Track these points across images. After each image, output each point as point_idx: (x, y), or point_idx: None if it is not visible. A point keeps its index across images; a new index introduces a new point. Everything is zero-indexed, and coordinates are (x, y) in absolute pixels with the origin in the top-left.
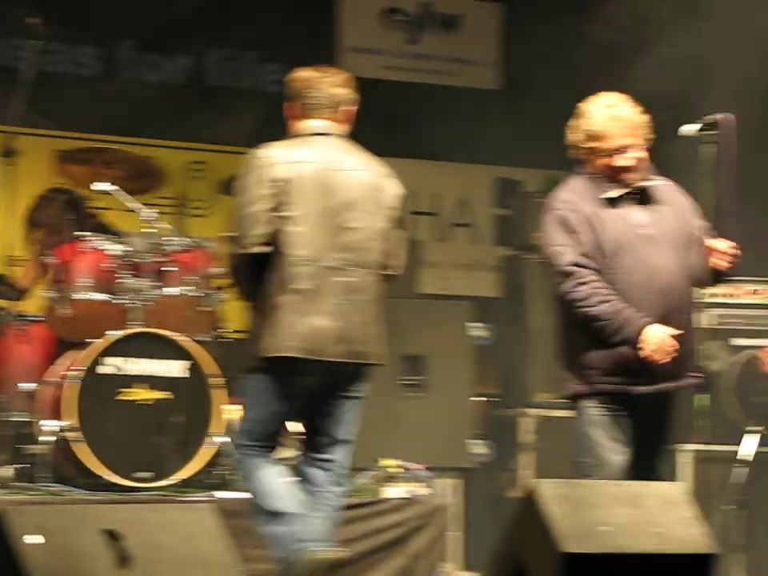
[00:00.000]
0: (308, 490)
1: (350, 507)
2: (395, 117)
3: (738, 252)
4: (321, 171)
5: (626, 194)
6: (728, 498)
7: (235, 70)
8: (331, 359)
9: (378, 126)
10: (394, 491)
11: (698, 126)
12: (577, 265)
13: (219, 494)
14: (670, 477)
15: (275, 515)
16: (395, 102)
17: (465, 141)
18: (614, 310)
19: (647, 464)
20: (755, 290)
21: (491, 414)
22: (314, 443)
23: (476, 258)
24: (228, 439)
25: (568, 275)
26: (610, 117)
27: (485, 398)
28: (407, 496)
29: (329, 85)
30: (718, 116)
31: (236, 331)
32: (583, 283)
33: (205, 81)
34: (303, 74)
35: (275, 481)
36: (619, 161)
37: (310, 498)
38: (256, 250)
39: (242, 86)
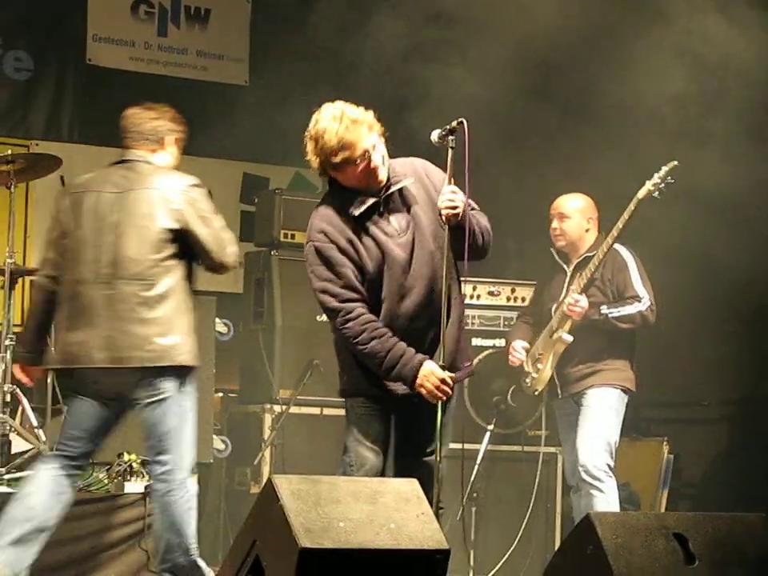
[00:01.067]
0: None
1: (88, 502)
2: None
3: (457, 195)
4: (99, 197)
5: (376, 205)
6: (463, 495)
7: None
8: (96, 366)
9: None
10: (133, 486)
11: (437, 132)
12: (341, 300)
13: None
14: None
15: None
16: (143, 95)
17: (212, 136)
18: (387, 348)
19: (418, 462)
20: (492, 291)
21: (232, 409)
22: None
23: None
24: None
25: (335, 311)
26: (344, 128)
27: (226, 394)
28: (147, 490)
29: (146, 119)
30: (455, 122)
31: None
32: (350, 319)
33: None
34: (128, 111)
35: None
36: (366, 168)
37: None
38: (43, 272)
39: None
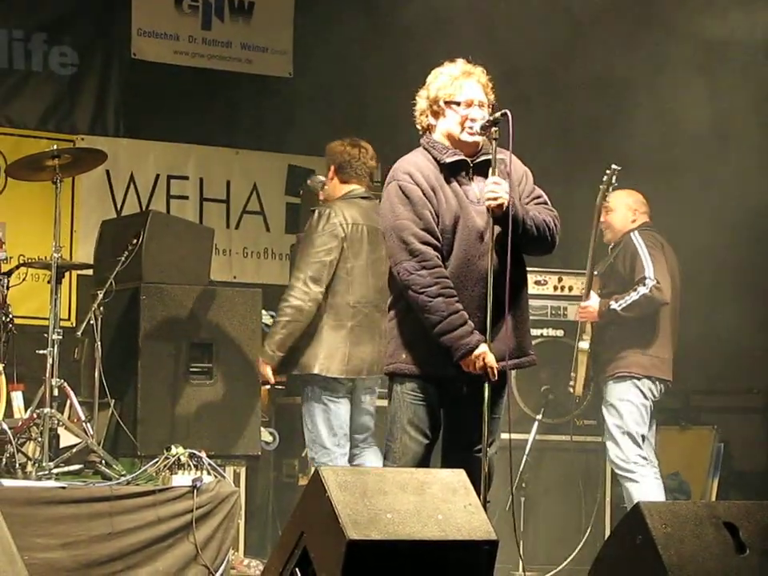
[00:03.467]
0: None
1: (136, 495)
2: (187, 103)
3: (500, 187)
4: (367, 231)
5: (465, 165)
6: (512, 486)
7: (24, 52)
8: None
9: (170, 111)
10: (181, 479)
11: (480, 123)
12: (422, 241)
13: (4, 482)
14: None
15: None
16: (188, 88)
17: (257, 128)
18: (451, 311)
19: (468, 456)
20: (539, 281)
21: (280, 401)
22: None
23: (266, 245)
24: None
25: (412, 254)
26: (459, 71)
27: (273, 386)
28: (194, 483)
29: (368, 159)
30: (499, 113)
31: (19, 316)
32: (426, 267)
33: None
34: (363, 150)
35: None
36: (465, 118)
37: None
38: (320, 290)
39: (31, 68)
